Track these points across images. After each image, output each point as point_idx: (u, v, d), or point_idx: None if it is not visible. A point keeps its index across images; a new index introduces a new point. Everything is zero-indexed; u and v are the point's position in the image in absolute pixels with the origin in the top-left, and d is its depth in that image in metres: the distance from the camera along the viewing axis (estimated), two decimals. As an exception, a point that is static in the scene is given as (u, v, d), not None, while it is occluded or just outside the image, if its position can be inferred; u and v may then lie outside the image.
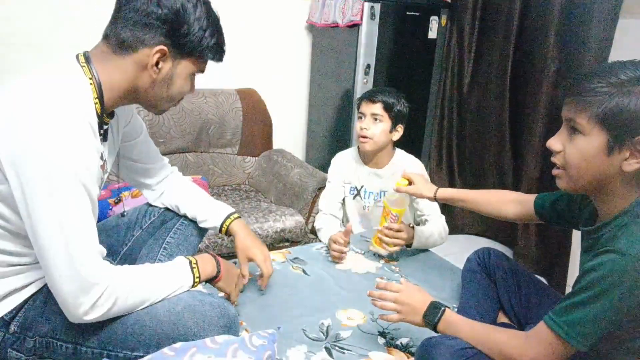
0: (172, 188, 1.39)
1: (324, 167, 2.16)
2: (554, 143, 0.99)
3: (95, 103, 0.96)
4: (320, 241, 1.85)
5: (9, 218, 0.93)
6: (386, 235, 1.61)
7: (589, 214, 1.09)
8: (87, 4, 2.25)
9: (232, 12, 2.46)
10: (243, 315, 1.32)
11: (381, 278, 1.55)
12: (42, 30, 2.23)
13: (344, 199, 1.93)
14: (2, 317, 0.99)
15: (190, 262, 1.11)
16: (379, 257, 1.71)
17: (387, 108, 1.75)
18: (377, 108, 1.76)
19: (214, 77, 2.46)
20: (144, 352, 0.99)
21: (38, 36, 2.22)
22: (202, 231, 1.41)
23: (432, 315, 1.10)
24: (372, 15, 2.46)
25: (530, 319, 1.31)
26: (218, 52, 1.05)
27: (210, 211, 1.36)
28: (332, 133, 2.87)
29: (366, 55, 2.52)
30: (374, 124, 1.76)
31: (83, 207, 0.90)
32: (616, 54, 2.08)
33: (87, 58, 0.98)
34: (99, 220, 1.02)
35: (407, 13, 2.59)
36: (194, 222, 1.38)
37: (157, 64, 0.98)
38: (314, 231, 2.02)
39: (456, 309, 1.39)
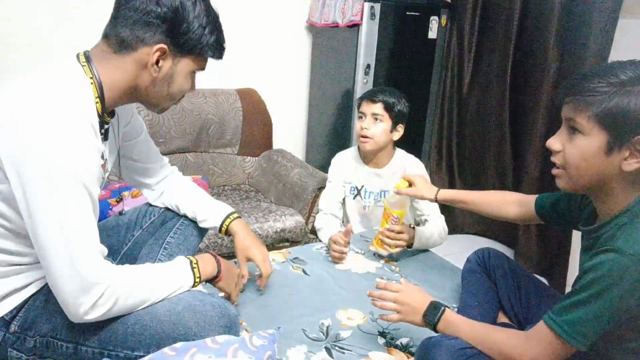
0: (172, 188, 1.39)
1: (324, 167, 2.16)
2: (554, 143, 0.99)
3: (96, 102, 0.97)
4: (320, 241, 1.85)
5: (10, 217, 0.93)
6: (388, 237, 1.61)
7: (589, 214, 1.09)
8: (87, 4, 2.25)
9: (232, 12, 2.46)
10: (243, 315, 1.32)
11: (381, 278, 1.55)
12: (42, 30, 2.23)
13: (344, 199, 1.93)
14: (2, 316, 0.99)
15: (191, 262, 1.11)
16: (379, 257, 1.71)
17: (388, 108, 1.76)
18: (378, 108, 1.76)
19: (214, 77, 2.47)
20: (144, 352, 0.99)
21: (38, 36, 2.22)
22: (203, 231, 1.41)
23: (432, 315, 1.10)
24: (372, 15, 2.46)
25: (530, 319, 1.31)
26: (218, 49, 1.05)
27: (210, 211, 1.36)
28: (332, 133, 2.87)
29: (366, 55, 2.52)
30: (375, 124, 1.76)
31: (83, 207, 0.90)
32: (616, 54, 2.08)
33: (87, 57, 0.99)
34: (99, 220, 1.02)
35: (407, 13, 2.59)
36: (194, 222, 1.38)
37: (157, 62, 0.99)
38: (314, 231, 2.02)
39: (456, 309, 1.39)
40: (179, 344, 0.95)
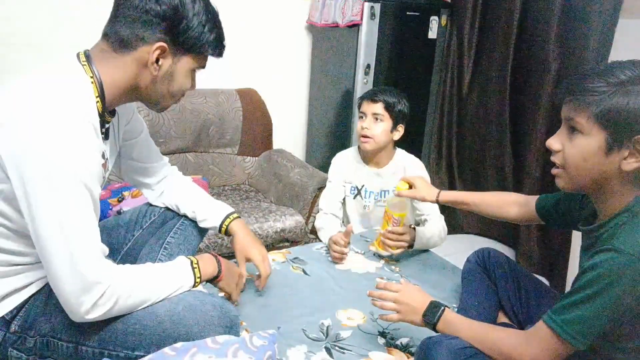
0: (172, 187, 1.39)
1: (324, 167, 2.16)
2: (553, 142, 0.99)
3: (97, 102, 0.97)
4: (320, 241, 1.85)
5: (11, 217, 0.93)
6: (389, 239, 1.61)
7: (589, 214, 1.09)
8: (87, 4, 2.25)
9: (232, 12, 2.45)
10: (243, 315, 1.32)
11: (381, 278, 1.55)
12: (42, 30, 2.23)
13: (344, 199, 1.93)
14: (3, 316, 0.99)
15: (192, 262, 1.11)
16: (379, 257, 1.72)
17: (388, 108, 1.76)
18: (378, 108, 1.76)
19: (214, 77, 2.47)
20: (144, 351, 0.99)
21: (38, 36, 2.22)
22: (203, 231, 1.41)
23: (432, 314, 1.10)
24: (372, 15, 2.46)
25: (530, 319, 1.31)
26: (218, 47, 1.05)
27: (209, 211, 1.36)
28: (332, 133, 2.87)
29: (366, 55, 2.52)
30: (375, 124, 1.76)
31: (84, 207, 0.90)
32: (616, 54, 2.08)
33: (87, 57, 0.99)
34: (99, 220, 1.02)
35: (407, 13, 2.59)
36: (194, 222, 1.38)
37: (157, 60, 0.99)
38: (314, 231, 2.02)
39: (456, 309, 1.39)
40: (179, 344, 0.95)
